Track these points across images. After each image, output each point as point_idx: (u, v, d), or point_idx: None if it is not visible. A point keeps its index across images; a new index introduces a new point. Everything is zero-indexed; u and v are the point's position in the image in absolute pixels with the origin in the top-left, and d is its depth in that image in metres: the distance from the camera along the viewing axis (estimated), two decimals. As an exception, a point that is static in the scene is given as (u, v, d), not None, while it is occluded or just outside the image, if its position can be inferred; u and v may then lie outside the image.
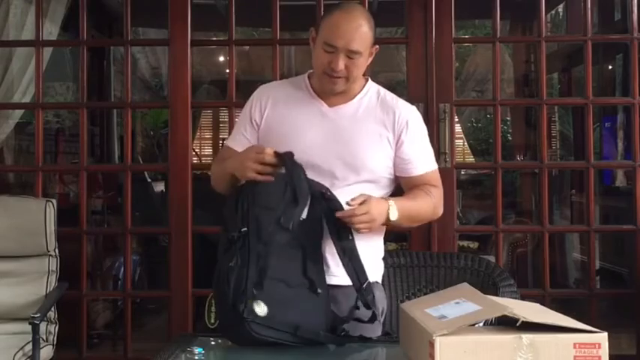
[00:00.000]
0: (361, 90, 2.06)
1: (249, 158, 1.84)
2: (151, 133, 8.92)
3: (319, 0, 3.49)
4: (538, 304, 1.65)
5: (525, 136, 6.12)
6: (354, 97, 2.04)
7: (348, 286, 1.88)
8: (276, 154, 1.84)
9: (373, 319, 1.88)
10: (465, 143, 9.07)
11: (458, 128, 7.93)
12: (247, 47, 7.02)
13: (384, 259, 2.13)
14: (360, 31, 1.93)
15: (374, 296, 1.88)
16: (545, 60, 3.62)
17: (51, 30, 3.89)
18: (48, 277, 3.04)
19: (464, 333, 1.37)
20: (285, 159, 1.84)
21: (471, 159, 9.19)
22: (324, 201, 1.85)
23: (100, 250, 4.71)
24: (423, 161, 2.06)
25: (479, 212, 5.81)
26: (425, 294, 2.37)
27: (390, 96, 2.08)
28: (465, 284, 1.74)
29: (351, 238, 1.86)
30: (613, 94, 5.87)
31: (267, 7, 3.46)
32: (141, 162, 7.08)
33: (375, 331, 1.94)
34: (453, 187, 3.45)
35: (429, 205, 2.02)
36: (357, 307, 1.84)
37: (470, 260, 2.48)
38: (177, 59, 3.49)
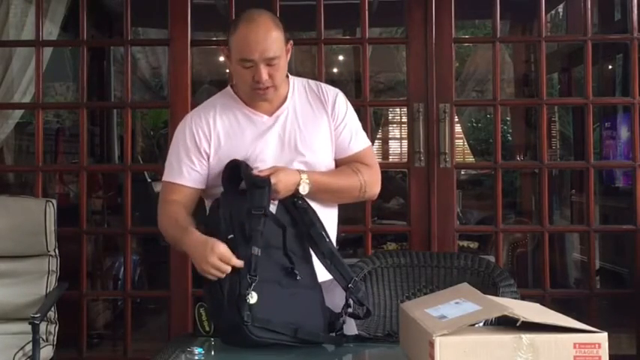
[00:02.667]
0: (289, 88, 2.07)
1: (210, 264, 1.74)
2: (151, 133, 8.91)
3: (319, 0, 3.49)
4: (538, 304, 1.65)
5: (525, 136, 6.11)
6: (285, 99, 2.05)
7: (326, 281, 1.90)
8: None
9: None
10: (465, 143, 9.06)
11: (458, 128, 7.92)
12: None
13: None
14: (270, 37, 1.91)
15: (365, 292, 1.91)
16: (545, 60, 3.62)
17: (51, 30, 3.89)
18: (48, 277, 3.04)
19: (464, 333, 1.37)
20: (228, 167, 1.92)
21: (471, 159, 9.18)
22: (295, 209, 1.88)
23: (100, 250, 4.71)
24: (356, 140, 2.08)
25: (479, 212, 5.80)
26: (425, 294, 2.37)
27: (314, 84, 2.11)
28: (465, 284, 1.73)
29: (328, 240, 1.89)
30: (613, 94, 5.86)
31: (267, 7, 3.45)
32: (141, 162, 7.07)
33: (352, 328, 1.95)
34: (453, 187, 3.46)
35: (354, 182, 2.02)
36: (349, 306, 1.85)
37: (470, 260, 2.48)
38: (177, 59, 3.49)
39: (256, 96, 1.99)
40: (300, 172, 1.91)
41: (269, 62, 1.92)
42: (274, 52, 1.92)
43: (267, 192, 1.80)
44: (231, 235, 1.77)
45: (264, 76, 1.92)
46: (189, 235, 1.85)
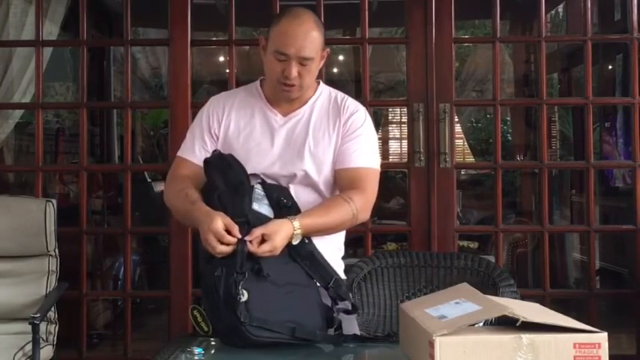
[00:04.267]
0: (314, 94, 2.07)
1: (206, 241, 1.76)
2: (151, 133, 8.90)
3: (319, 0, 3.49)
4: (538, 304, 1.65)
5: (525, 136, 6.12)
6: (306, 102, 2.06)
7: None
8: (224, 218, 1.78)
9: (354, 310, 1.90)
10: (465, 143, 9.07)
11: (458, 128, 7.93)
12: (247, 47, 7.04)
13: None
14: (310, 37, 1.94)
15: (347, 290, 1.91)
16: (545, 60, 3.62)
17: (51, 30, 3.89)
18: (48, 277, 3.04)
19: (464, 333, 1.37)
20: (213, 158, 1.92)
21: (471, 159, 9.19)
22: (279, 210, 1.87)
23: (100, 250, 4.71)
24: (357, 155, 2.03)
25: (479, 212, 5.81)
26: (425, 294, 2.36)
27: (340, 97, 2.10)
28: (465, 284, 1.73)
29: (307, 241, 1.87)
30: (613, 94, 5.86)
31: (267, 7, 3.46)
32: (141, 162, 7.07)
33: (353, 327, 1.96)
34: (453, 187, 3.46)
35: (345, 214, 1.94)
36: (337, 303, 1.85)
37: (470, 260, 2.48)
38: (177, 59, 3.49)
39: (281, 91, 2.00)
40: (291, 220, 1.83)
41: (302, 61, 1.95)
42: (309, 53, 1.94)
43: (248, 200, 1.82)
44: None
45: (294, 73, 1.94)
46: (197, 209, 1.87)
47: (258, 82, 2.13)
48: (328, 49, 2.05)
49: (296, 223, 1.82)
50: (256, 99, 2.08)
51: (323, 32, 2.00)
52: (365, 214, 2.02)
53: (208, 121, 2.07)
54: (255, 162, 1.99)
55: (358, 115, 2.06)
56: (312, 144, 2.02)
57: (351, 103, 2.09)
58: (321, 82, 2.12)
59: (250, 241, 1.74)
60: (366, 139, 2.06)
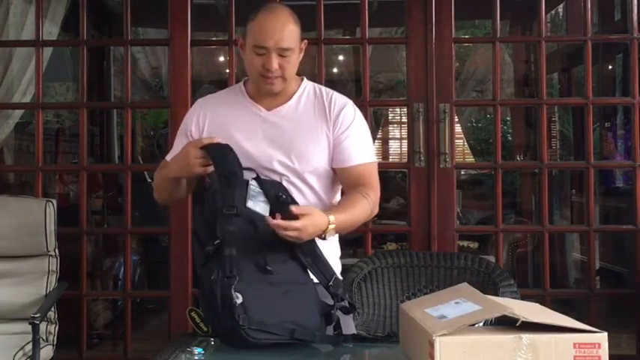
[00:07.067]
0: (298, 88, 2.09)
1: (191, 154, 1.91)
2: (151, 133, 8.90)
3: (319, 0, 3.49)
4: (538, 304, 1.65)
5: (525, 136, 6.11)
6: (291, 97, 2.07)
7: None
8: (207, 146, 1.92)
9: (352, 309, 1.90)
10: (465, 143, 9.05)
11: (458, 128, 7.91)
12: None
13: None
14: (287, 29, 1.98)
15: (344, 289, 1.91)
16: (545, 60, 3.63)
17: (51, 30, 3.89)
18: (48, 277, 3.04)
19: (464, 333, 1.37)
20: (209, 147, 1.93)
21: (471, 159, 9.17)
22: (278, 205, 1.85)
23: (100, 250, 4.71)
24: (357, 153, 2.04)
25: (479, 212, 5.80)
26: (425, 294, 2.37)
27: (325, 91, 2.11)
28: (465, 284, 1.73)
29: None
30: (613, 94, 5.86)
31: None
32: (141, 162, 7.07)
33: (350, 326, 1.96)
34: (453, 187, 3.46)
35: (366, 210, 1.98)
36: (339, 300, 1.85)
37: (470, 260, 2.48)
38: (177, 59, 3.49)
39: (264, 84, 2.01)
40: (327, 214, 1.82)
41: (281, 53, 1.96)
42: (288, 44, 1.97)
43: (245, 191, 1.82)
44: (218, 240, 1.74)
45: (275, 65, 1.96)
46: (168, 164, 2.04)
47: (241, 83, 2.15)
48: (306, 41, 2.07)
49: (331, 217, 1.82)
50: (240, 97, 2.10)
51: (299, 25, 2.03)
52: (377, 208, 2.06)
53: (188, 124, 2.11)
54: (244, 158, 1.96)
55: (347, 109, 2.07)
56: (300, 138, 2.02)
57: (338, 97, 2.09)
58: (305, 78, 2.12)
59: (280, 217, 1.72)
60: (361, 134, 2.08)
